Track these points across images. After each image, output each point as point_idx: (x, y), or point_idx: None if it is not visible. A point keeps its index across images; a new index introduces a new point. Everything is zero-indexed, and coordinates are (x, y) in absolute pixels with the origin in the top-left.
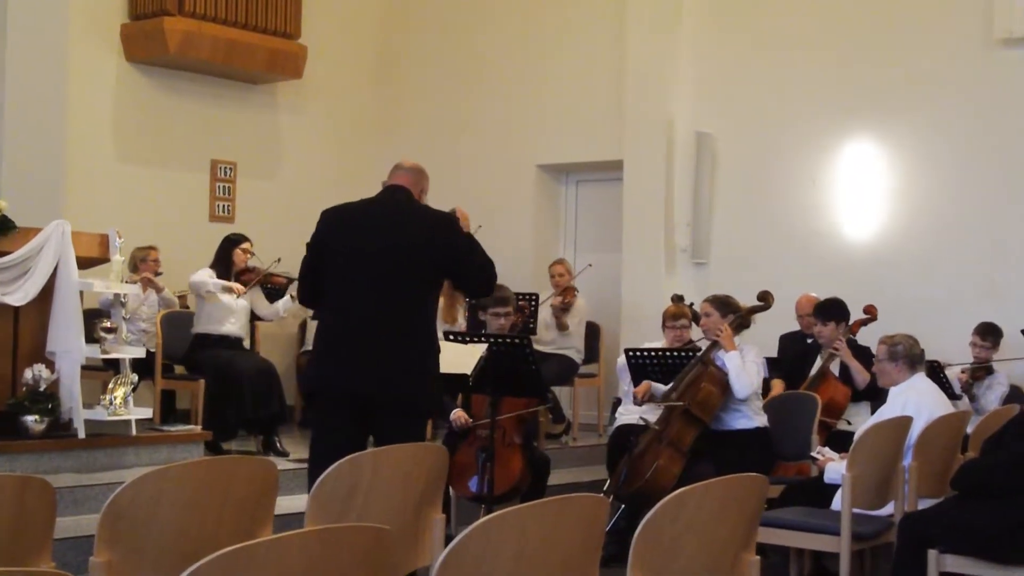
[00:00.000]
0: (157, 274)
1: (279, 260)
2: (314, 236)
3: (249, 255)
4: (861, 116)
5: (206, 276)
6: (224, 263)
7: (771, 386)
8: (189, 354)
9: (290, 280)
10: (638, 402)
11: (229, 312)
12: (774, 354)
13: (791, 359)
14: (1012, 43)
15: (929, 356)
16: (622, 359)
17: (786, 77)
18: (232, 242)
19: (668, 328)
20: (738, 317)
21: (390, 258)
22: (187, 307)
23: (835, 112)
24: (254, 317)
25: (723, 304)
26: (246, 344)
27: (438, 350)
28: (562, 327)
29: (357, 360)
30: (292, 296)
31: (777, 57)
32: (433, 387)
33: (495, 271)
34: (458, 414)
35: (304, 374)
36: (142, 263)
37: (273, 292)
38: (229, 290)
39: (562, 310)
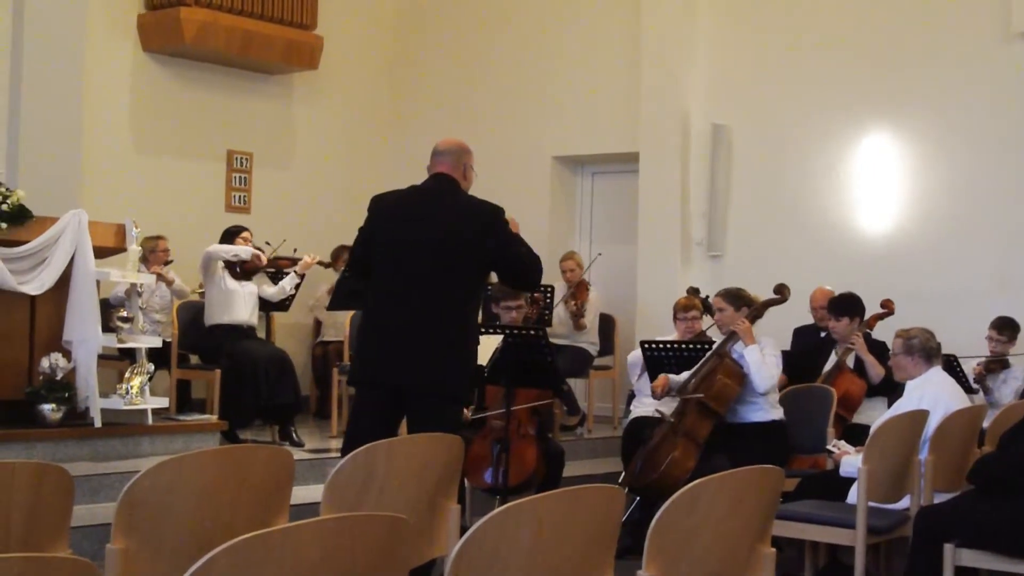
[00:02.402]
0: (167, 263)
1: (284, 242)
2: (365, 223)
3: (250, 243)
4: (877, 109)
5: (216, 246)
6: None
7: None
8: (203, 345)
9: (294, 261)
10: (657, 396)
11: (238, 298)
12: (787, 347)
13: (804, 352)
14: None
15: (945, 350)
16: (633, 354)
17: (802, 70)
18: (232, 233)
19: (679, 320)
20: (753, 310)
21: (435, 251)
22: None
23: (851, 105)
24: (263, 306)
25: (736, 298)
26: (259, 334)
27: (477, 342)
28: (580, 327)
29: (397, 351)
30: (296, 273)
31: (793, 50)
32: (468, 375)
33: (540, 265)
34: None
35: (351, 364)
36: (151, 253)
37: (278, 276)
38: (257, 258)
39: (577, 314)
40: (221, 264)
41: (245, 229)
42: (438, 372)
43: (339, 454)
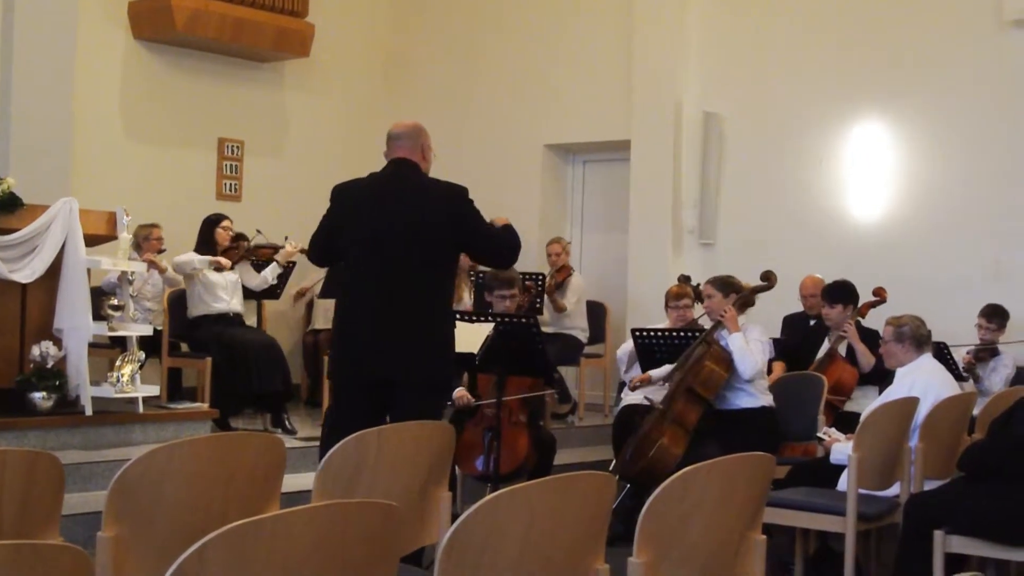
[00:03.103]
0: (160, 251)
1: (259, 232)
2: (328, 212)
3: (230, 232)
4: (870, 97)
5: (191, 255)
6: (207, 244)
7: (771, 368)
8: (190, 333)
9: (275, 249)
10: (632, 387)
11: (219, 288)
12: (778, 335)
13: (794, 340)
14: (1022, 24)
15: (937, 338)
16: (621, 348)
17: (795, 57)
18: (212, 223)
19: (671, 308)
20: (741, 297)
21: (403, 237)
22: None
23: (844, 93)
24: (254, 294)
25: (725, 285)
26: (250, 321)
27: (454, 326)
28: (558, 308)
29: (376, 342)
30: (277, 262)
31: (786, 37)
32: (450, 362)
33: (517, 239)
34: (460, 393)
35: (329, 358)
36: (145, 241)
37: (261, 264)
38: (217, 264)
39: (554, 290)
40: (201, 259)
41: (225, 218)
42: (421, 362)
43: None
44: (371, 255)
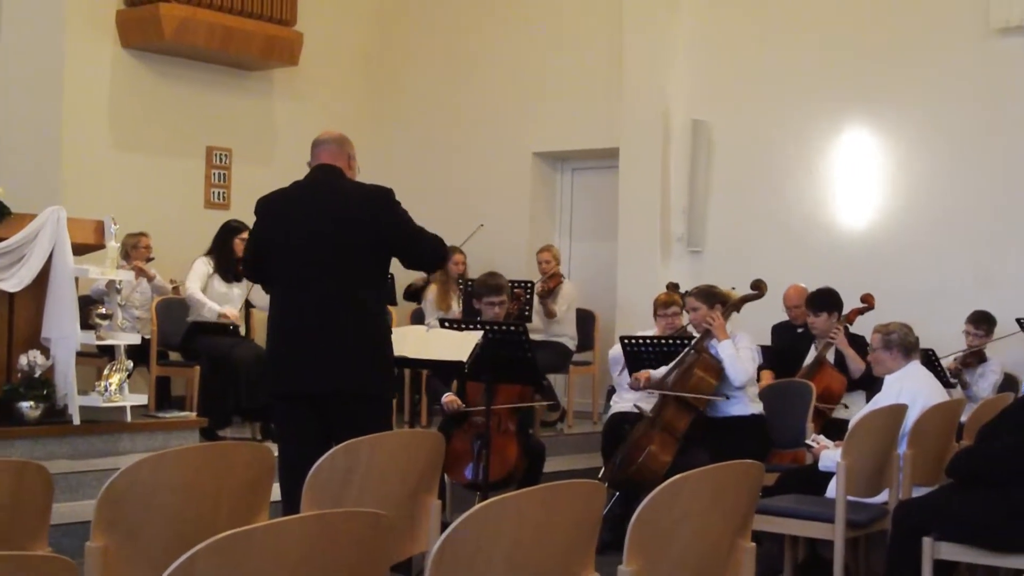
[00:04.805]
0: (148, 260)
1: None
2: (254, 226)
3: None
4: (857, 105)
5: (199, 293)
6: (223, 251)
7: (760, 376)
8: (185, 341)
9: None
10: (638, 388)
11: (225, 300)
12: (766, 343)
13: (783, 349)
14: (1009, 32)
15: (924, 345)
16: (614, 350)
17: (783, 65)
18: (232, 231)
19: (659, 316)
20: (730, 307)
21: (331, 242)
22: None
23: (831, 101)
24: (249, 304)
25: (708, 296)
26: (242, 331)
27: (390, 332)
28: (549, 314)
29: (312, 356)
30: None
31: (774, 45)
32: (391, 371)
33: (443, 244)
34: (449, 398)
35: (262, 377)
36: (133, 249)
37: None
38: (224, 316)
39: (546, 295)
40: (210, 271)
41: (247, 229)
42: (359, 372)
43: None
44: (299, 264)
